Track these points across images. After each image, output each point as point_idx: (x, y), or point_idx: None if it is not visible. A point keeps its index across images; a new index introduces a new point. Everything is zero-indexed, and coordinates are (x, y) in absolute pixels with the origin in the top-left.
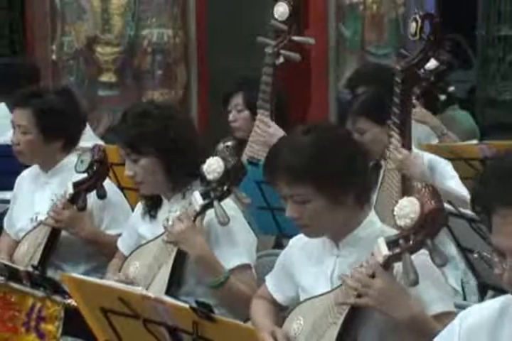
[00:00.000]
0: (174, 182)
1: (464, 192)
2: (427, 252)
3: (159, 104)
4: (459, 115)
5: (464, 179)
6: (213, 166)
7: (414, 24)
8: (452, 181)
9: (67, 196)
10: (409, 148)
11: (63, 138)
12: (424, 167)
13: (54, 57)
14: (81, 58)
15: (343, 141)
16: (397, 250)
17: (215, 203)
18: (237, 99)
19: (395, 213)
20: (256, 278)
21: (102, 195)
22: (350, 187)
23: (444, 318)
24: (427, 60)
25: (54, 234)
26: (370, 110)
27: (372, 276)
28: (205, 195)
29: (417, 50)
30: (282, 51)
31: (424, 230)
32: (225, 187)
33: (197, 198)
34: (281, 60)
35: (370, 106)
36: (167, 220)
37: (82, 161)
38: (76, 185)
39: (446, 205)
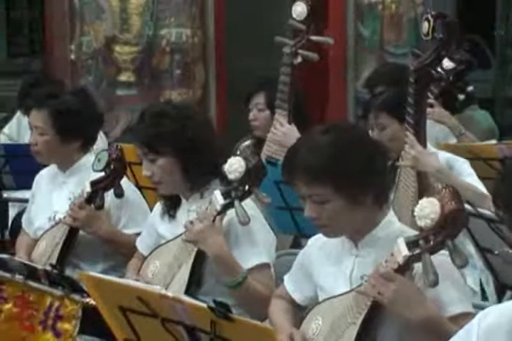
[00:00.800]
0: (192, 182)
1: (482, 188)
2: (446, 252)
3: (177, 104)
4: (477, 115)
5: (483, 179)
6: (235, 166)
7: (426, 24)
8: (469, 179)
9: (85, 195)
10: (424, 148)
11: (80, 138)
12: (440, 164)
13: (73, 56)
14: (99, 58)
15: (362, 141)
16: (417, 250)
17: (236, 203)
18: (259, 99)
19: (415, 213)
20: (274, 277)
21: (119, 194)
22: (369, 187)
23: (463, 319)
24: (440, 60)
25: (72, 233)
26: (393, 106)
27: (388, 277)
28: (226, 195)
29: (430, 50)
30: (300, 51)
31: (444, 231)
32: (246, 187)
33: (218, 198)
34: (299, 59)
35: (393, 102)
36: (190, 223)
37: (99, 160)
38: (93, 183)
39: (465, 205)
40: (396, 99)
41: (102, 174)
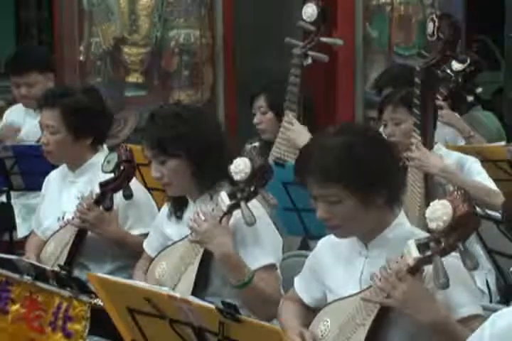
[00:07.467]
0: (201, 184)
1: (491, 185)
2: (457, 254)
3: (188, 105)
4: (483, 116)
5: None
6: (240, 167)
7: (431, 24)
8: (479, 177)
9: (94, 196)
10: (431, 149)
11: (92, 136)
12: (444, 163)
13: (81, 58)
14: (108, 59)
15: (375, 142)
16: (428, 253)
17: (242, 204)
18: (260, 101)
19: (426, 215)
20: (280, 278)
21: (128, 195)
22: (382, 188)
23: (473, 321)
24: (446, 61)
25: (81, 234)
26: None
27: (400, 278)
28: (231, 196)
29: (435, 51)
30: (310, 52)
31: (455, 233)
32: (252, 188)
33: (224, 199)
34: (309, 61)
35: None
36: (191, 220)
37: (108, 161)
38: (102, 185)
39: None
40: None
41: (112, 175)
